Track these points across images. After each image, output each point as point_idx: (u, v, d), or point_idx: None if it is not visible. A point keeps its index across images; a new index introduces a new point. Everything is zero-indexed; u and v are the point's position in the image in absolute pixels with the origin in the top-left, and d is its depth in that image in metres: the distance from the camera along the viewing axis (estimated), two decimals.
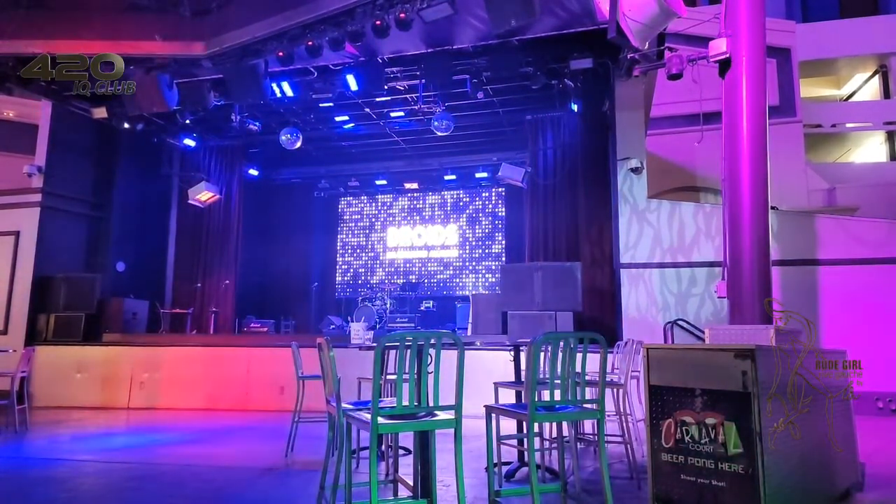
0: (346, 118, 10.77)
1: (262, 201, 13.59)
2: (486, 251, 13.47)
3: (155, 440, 5.94)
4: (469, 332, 8.82)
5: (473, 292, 11.62)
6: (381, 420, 2.66)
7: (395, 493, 3.61)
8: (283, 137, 10.17)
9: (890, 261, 7.08)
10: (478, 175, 13.06)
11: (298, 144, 10.31)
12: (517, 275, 8.27)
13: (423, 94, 9.24)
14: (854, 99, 15.45)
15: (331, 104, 9.89)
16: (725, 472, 2.74)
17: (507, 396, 4.33)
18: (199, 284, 11.38)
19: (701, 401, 2.87)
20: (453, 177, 13.21)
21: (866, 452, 4.07)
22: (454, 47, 7.88)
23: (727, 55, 5.48)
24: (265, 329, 10.84)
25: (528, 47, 7.94)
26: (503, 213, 13.43)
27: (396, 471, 3.68)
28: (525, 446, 3.73)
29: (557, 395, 3.01)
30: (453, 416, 2.78)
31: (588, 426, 5.17)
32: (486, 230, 13.55)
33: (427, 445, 2.91)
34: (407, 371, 2.93)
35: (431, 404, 2.90)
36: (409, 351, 2.86)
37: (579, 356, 3.07)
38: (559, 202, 10.21)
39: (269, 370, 7.87)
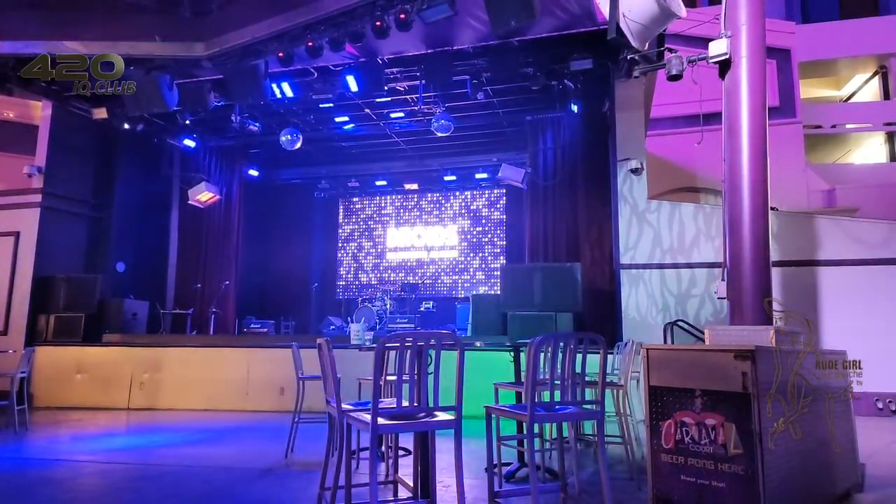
0: (346, 119, 10.77)
1: (262, 202, 13.59)
2: (487, 252, 13.48)
3: (155, 441, 5.94)
4: (469, 333, 8.82)
5: (473, 293, 11.61)
6: (380, 421, 2.66)
7: (395, 494, 3.61)
8: (284, 138, 10.18)
9: (890, 261, 7.09)
10: (478, 176, 13.07)
11: (298, 145, 10.31)
12: (517, 275, 8.27)
13: (424, 95, 9.25)
14: (854, 100, 15.46)
15: (331, 105, 9.89)
16: (725, 472, 2.74)
17: (507, 397, 4.33)
18: (199, 285, 11.38)
19: (701, 401, 2.87)
20: (453, 177, 13.22)
21: (866, 453, 4.07)
22: (454, 48, 7.89)
23: (727, 56, 5.48)
24: (265, 330, 10.84)
25: (528, 48, 7.94)
26: (503, 214, 13.44)
27: (396, 471, 3.68)
28: (525, 447, 3.73)
29: (557, 395, 3.01)
30: (453, 417, 2.78)
31: (588, 427, 5.17)
32: (486, 231, 13.56)
33: (427, 446, 2.91)
34: (407, 372, 2.93)
35: (431, 405, 2.90)
36: (409, 351, 2.86)
37: (579, 357, 3.07)
38: (559, 203, 10.21)
39: (270, 371, 7.86)
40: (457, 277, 13.55)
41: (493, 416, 3.27)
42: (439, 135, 9.77)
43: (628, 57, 7.04)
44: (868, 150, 15.24)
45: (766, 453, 2.65)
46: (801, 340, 3.72)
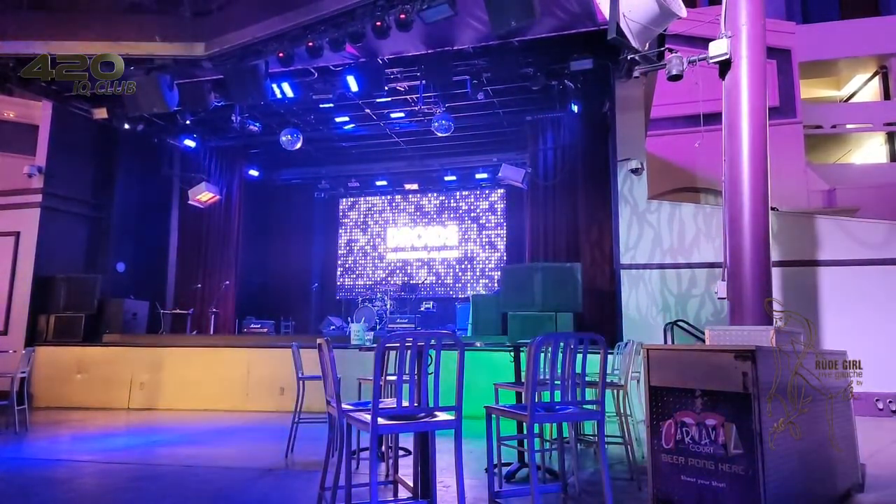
0: (346, 119, 10.78)
1: (262, 202, 13.60)
2: (487, 252, 13.48)
3: (155, 441, 5.94)
4: (469, 333, 8.82)
5: (473, 293, 11.62)
6: (381, 421, 2.66)
7: (395, 494, 3.61)
8: (284, 138, 10.18)
9: (890, 262, 7.08)
10: (478, 176, 13.07)
11: (299, 145, 10.31)
12: (517, 275, 8.27)
13: (424, 95, 9.25)
14: (854, 100, 15.46)
15: (331, 105, 9.90)
16: (725, 472, 2.74)
17: (508, 397, 4.33)
18: (199, 285, 11.38)
19: (701, 402, 2.87)
20: (453, 177, 13.22)
21: (867, 453, 4.07)
22: (454, 48, 7.89)
23: (727, 56, 5.48)
24: (265, 330, 10.84)
25: (528, 48, 7.94)
26: (503, 214, 13.43)
27: (396, 472, 3.68)
28: (525, 447, 3.73)
29: (557, 395, 3.01)
30: (453, 417, 2.78)
31: (588, 427, 5.17)
32: (487, 231, 13.55)
33: (427, 446, 2.90)
34: (407, 372, 2.93)
35: (431, 405, 2.90)
36: (409, 352, 2.86)
37: (579, 357, 3.07)
38: (559, 203, 10.21)
39: (270, 371, 7.86)
40: (457, 278, 13.54)
41: (494, 416, 3.27)
42: (439, 135, 9.77)
43: (628, 57, 7.03)
44: (868, 151, 15.24)
45: (766, 453, 2.65)
46: (802, 340, 3.72)
